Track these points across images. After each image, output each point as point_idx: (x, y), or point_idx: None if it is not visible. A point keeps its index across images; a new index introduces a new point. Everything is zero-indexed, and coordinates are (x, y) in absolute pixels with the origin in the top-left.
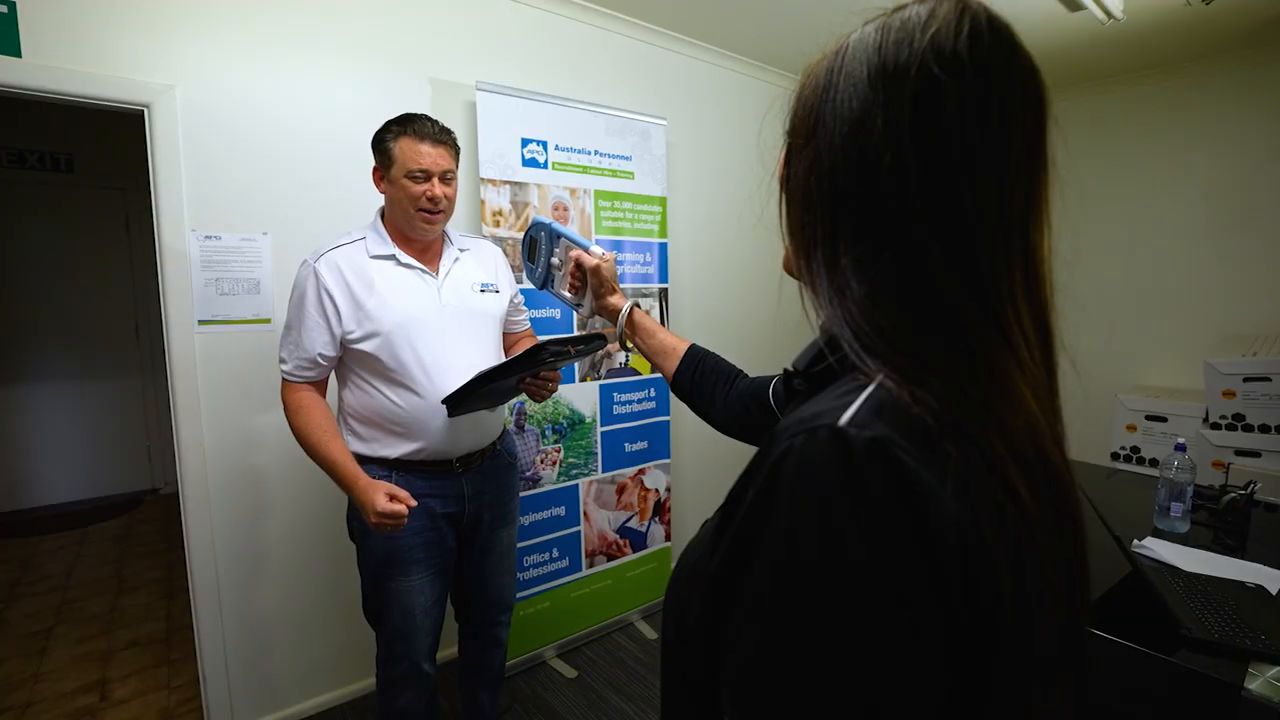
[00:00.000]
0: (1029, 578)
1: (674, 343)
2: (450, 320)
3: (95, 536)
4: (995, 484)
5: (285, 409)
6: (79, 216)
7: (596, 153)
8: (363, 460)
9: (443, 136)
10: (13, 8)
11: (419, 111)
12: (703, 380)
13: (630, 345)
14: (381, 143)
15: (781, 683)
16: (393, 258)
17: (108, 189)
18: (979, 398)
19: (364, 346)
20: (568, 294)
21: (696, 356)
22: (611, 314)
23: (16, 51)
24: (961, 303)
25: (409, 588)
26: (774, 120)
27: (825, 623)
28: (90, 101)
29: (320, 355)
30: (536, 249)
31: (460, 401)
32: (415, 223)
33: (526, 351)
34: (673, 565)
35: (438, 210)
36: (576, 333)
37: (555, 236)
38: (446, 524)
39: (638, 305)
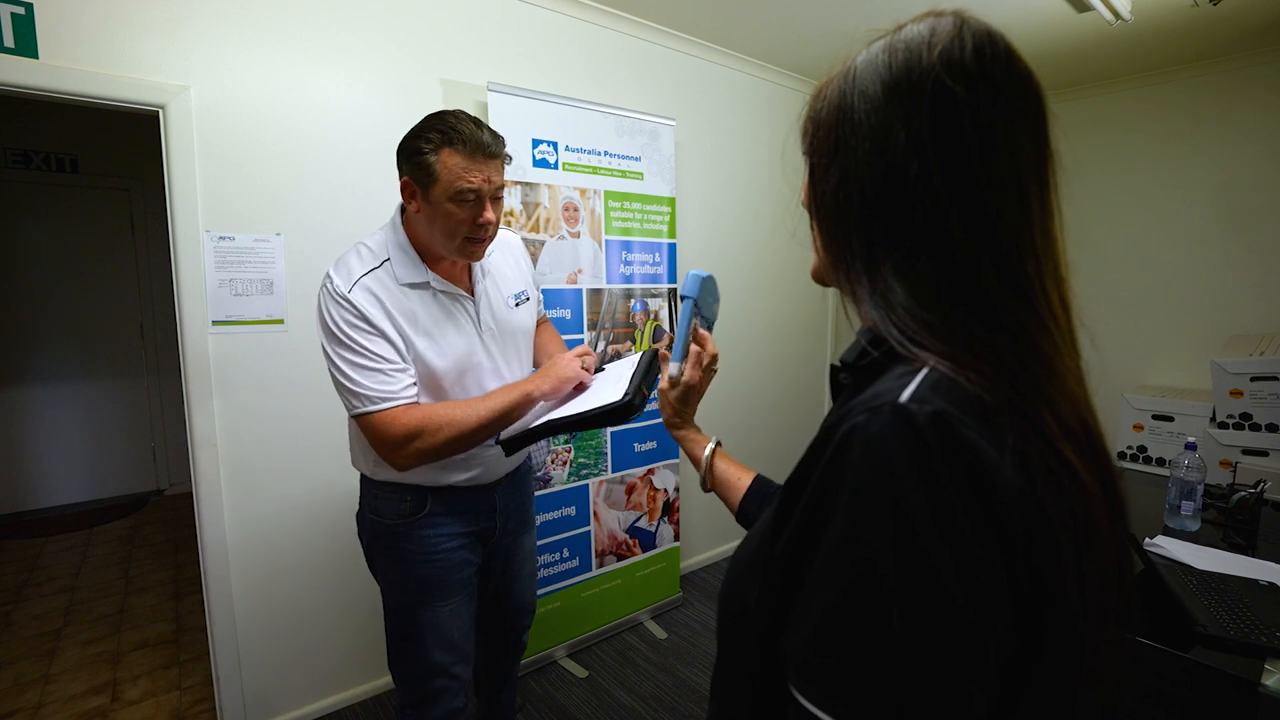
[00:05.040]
0: (1085, 551)
1: (740, 475)
2: (491, 345)
3: (101, 538)
4: (1051, 457)
5: (409, 440)
6: (83, 217)
7: (606, 153)
8: (399, 487)
9: (495, 147)
10: (30, 9)
11: (450, 110)
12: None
13: (708, 487)
14: (417, 154)
15: (853, 647)
16: (427, 285)
17: (112, 189)
18: (1027, 378)
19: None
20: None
21: (761, 490)
22: (690, 454)
23: (34, 53)
24: (997, 291)
25: (449, 612)
26: (794, 145)
27: (894, 591)
28: (106, 103)
29: (411, 384)
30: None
31: (519, 445)
32: (460, 251)
33: (609, 407)
34: (681, 565)
35: (487, 237)
36: (635, 368)
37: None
38: (478, 541)
39: (719, 445)
